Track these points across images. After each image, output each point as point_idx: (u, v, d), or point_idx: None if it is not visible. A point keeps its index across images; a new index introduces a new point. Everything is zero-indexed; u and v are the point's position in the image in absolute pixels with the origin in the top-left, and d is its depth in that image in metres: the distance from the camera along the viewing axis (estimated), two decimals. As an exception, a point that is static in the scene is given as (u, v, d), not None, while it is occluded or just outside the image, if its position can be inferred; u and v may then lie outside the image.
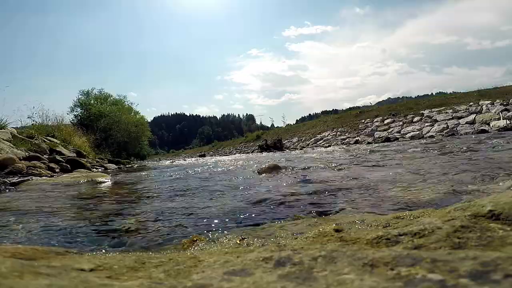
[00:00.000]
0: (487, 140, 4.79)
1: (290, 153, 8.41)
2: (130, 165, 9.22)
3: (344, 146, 9.43)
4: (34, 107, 9.11)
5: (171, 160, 12.35)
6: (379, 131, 11.48)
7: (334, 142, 12.11)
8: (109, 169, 6.81)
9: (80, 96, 21.17)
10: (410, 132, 10.06)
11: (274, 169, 3.23)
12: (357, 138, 11.46)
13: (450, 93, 16.20)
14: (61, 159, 5.28)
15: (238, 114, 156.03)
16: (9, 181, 2.95)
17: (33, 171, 3.78)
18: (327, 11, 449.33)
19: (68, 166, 4.97)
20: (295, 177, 2.57)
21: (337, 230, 0.82)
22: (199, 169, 4.35)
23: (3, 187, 2.70)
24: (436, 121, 10.14)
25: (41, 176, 3.61)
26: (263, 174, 3.01)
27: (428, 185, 1.71)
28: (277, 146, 12.93)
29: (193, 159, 12.46)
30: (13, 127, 6.70)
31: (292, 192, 1.84)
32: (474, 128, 8.57)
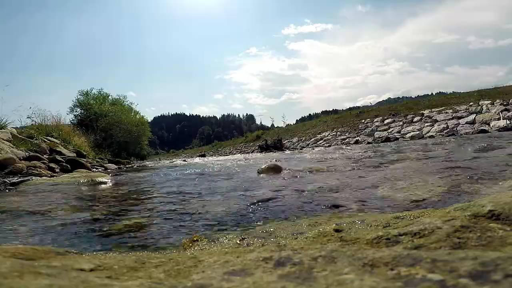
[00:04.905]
0: (487, 140, 4.79)
1: (290, 153, 8.41)
2: (130, 165, 9.20)
3: (344, 146, 9.42)
4: (30, 107, 9.07)
5: (171, 160, 12.34)
6: (379, 131, 11.48)
7: (334, 142, 12.10)
8: (109, 169, 6.80)
9: (79, 96, 21.20)
10: (410, 132, 10.06)
11: (274, 169, 3.23)
12: (357, 138, 11.46)
13: (450, 93, 16.22)
14: (61, 159, 5.27)
15: (238, 114, 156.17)
16: (9, 181, 2.95)
17: (33, 171, 3.78)
18: (328, 9, 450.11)
19: (68, 166, 4.97)
20: (294, 177, 2.57)
21: (337, 230, 0.82)
22: (199, 169, 4.35)
23: (3, 187, 2.70)
24: (436, 121, 10.14)
25: (41, 176, 3.61)
26: (263, 174, 3.01)
27: (428, 185, 1.71)
28: (277, 146, 12.93)
29: (193, 159, 12.45)
30: (13, 127, 6.69)
31: (291, 192, 1.84)
32: (474, 128, 8.56)
